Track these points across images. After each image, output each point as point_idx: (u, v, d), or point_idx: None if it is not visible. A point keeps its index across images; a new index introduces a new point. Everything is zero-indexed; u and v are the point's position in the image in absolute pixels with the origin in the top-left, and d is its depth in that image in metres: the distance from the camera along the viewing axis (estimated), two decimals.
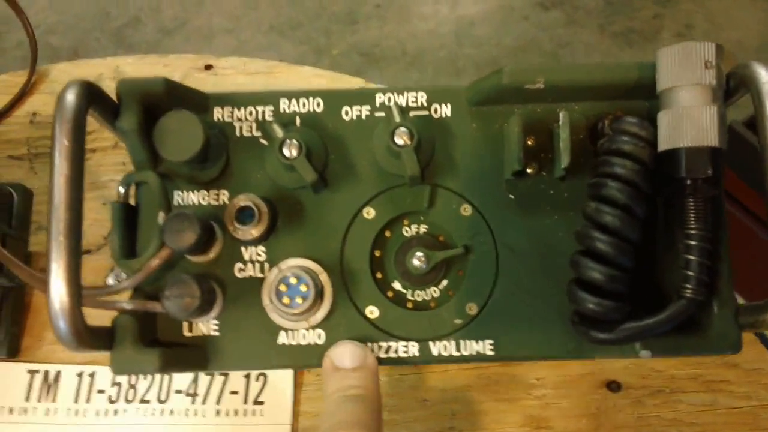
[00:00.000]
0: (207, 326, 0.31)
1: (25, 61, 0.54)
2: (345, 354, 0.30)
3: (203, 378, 0.46)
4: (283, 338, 0.31)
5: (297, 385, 0.45)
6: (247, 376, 0.46)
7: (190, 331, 0.31)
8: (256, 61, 0.56)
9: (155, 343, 0.31)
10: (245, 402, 0.45)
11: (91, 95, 0.28)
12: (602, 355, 0.31)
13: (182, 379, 0.46)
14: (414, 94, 0.32)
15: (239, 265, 0.31)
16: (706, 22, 1.19)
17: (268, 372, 0.46)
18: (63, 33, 1.30)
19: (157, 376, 0.46)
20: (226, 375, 0.46)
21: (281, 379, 0.45)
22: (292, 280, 0.30)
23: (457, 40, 1.24)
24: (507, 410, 0.45)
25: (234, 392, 0.45)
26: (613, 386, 0.45)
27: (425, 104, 0.32)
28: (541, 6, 1.25)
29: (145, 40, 1.29)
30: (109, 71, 0.55)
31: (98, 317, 0.29)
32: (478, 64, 1.22)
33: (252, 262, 0.31)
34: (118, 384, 0.46)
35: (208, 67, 0.56)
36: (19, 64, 0.55)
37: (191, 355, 0.30)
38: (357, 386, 0.29)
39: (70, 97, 0.27)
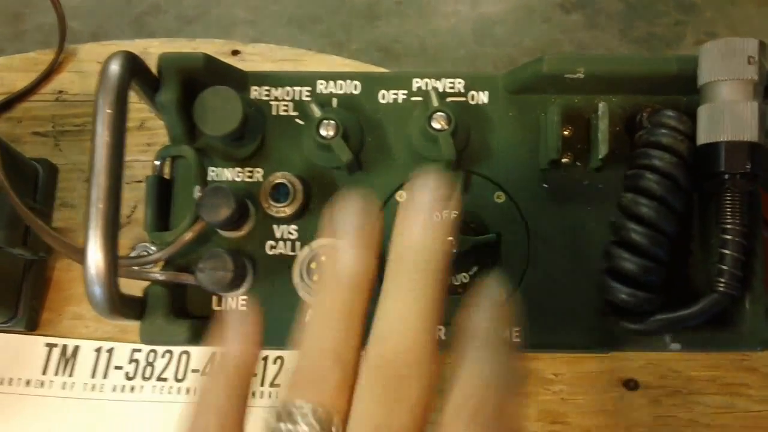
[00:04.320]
0: (236, 301, 0.31)
1: (45, 45, 0.55)
2: (426, 189, 0.26)
3: None
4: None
5: None
6: (265, 359, 0.46)
7: (219, 305, 0.31)
8: (283, 49, 0.57)
9: (185, 315, 0.31)
10: (261, 384, 0.45)
11: (134, 67, 0.29)
12: (631, 348, 0.30)
13: (200, 359, 0.46)
14: (451, 80, 0.32)
15: (271, 242, 0.31)
16: (728, 31, 1.19)
17: (286, 355, 0.46)
18: (83, 17, 1.31)
19: (175, 355, 0.46)
20: None
21: None
22: (324, 259, 0.30)
23: (477, 39, 1.24)
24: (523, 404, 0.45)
25: None
26: (631, 384, 0.45)
27: (462, 90, 0.32)
28: (562, 8, 1.25)
29: (165, 28, 1.30)
30: (136, 52, 0.56)
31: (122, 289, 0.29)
32: (496, 63, 1.22)
33: (283, 240, 0.31)
34: (136, 361, 0.46)
35: (235, 53, 0.56)
36: (39, 47, 0.55)
37: None
38: (432, 249, 0.25)
39: (114, 67, 0.28)
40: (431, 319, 0.22)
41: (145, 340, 0.29)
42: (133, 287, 0.30)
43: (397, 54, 1.24)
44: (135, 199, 0.50)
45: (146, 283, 0.31)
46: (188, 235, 0.30)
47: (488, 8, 1.26)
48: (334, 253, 0.23)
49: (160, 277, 0.29)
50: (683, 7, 1.24)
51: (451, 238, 0.23)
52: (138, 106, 0.52)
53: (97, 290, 0.26)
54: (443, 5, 1.27)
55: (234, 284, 0.29)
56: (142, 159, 0.51)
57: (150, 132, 0.52)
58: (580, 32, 1.23)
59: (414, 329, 0.21)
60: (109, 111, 0.27)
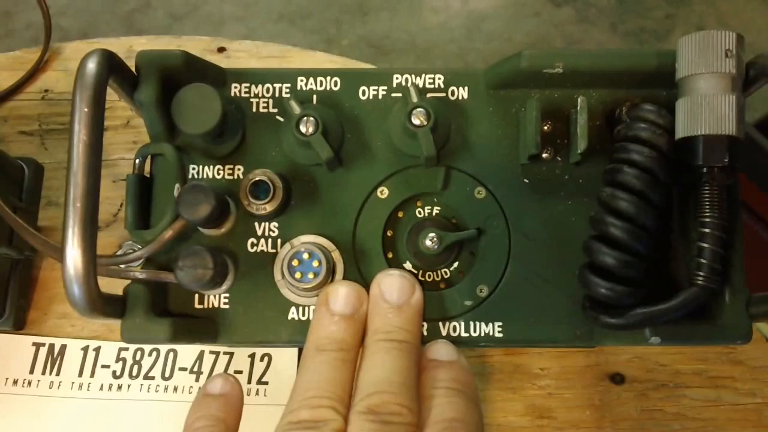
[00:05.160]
0: (218, 299, 0.31)
1: (34, 43, 0.55)
2: (393, 288, 0.30)
3: (208, 356, 0.46)
4: (293, 314, 0.31)
5: None
6: (252, 356, 0.46)
7: (201, 303, 0.31)
8: (269, 45, 0.56)
9: (166, 313, 0.31)
10: (249, 381, 0.45)
11: (112, 65, 0.28)
12: (611, 342, 0.31)
13: (187, 357, 0.46)
14: (431, 75, 0.32)
15: (252, 240, 0.31)
16: (718, 24, 1.19)
17: (273, 352, 0.46)
18: (73, 15, 1.30)
19: (162, 353, 0.46)
20: (230, 354, 0.46)
21: (285, 360, 0.46)
22: (305, 256, 0.30)
23: (468, 34, 1.24)
24: (510, 399, 0.45)
25: (238, 371, 0.46)
26: (617, 379, 0.45)
27: (442, 86, 0.32)
28: (552, 2, 1.25)
29: (155, 25, 1.29)
30: (122, 51, 0.55)
31: (107, 288, 0.29)
32: (487, 58, 1.22)
33: (265, 237, 0.31)
34: (123, 360, 0.46)
35: (221, 50, 0.56)
36: (28, 46, 0.55)
37: (201, 328, 0.31)
38: (401, 330, 0.29)
39: (91, 65, 0.28)
40: (407, 375, 0.27)
41: (126, 339, 0.29)
42: (117, 287, 0.30)
43: (388, 50, 1.24)
44: (121, 197, 0.50)
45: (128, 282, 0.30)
46: (168, 233, 0.30)
47: (478, 3, 1.26)
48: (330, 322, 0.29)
49: (140, 275, 0.29)
50: (673, 0, 1.24)
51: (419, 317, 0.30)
52: (124, 105, 0.52)
53: (76, 289, 0.26)
54: (433, 0, 1.27)
55: (215, 282, 0.29)
56: (128, 157, 0.51)
57: (135, 130, 0.52)
58: (570, 26, 1.23)
59: (395, 384, 0.27)
60: (86, 109, 0.27)
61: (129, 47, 0.55)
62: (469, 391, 0.28)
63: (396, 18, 1.26)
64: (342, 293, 0.29)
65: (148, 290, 0.30)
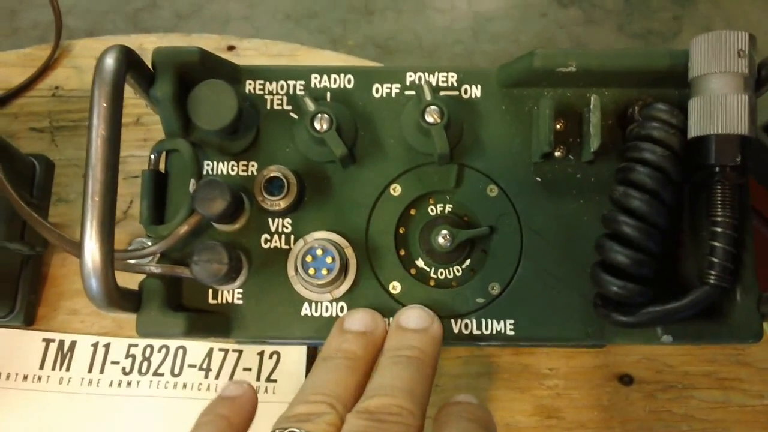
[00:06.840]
0: (231, 294, 0.31)
1: (41, 42, 0.55)
2: (411, 317, 0.30)
3: (217, 353, 0.46)
4: (306, 309, 0.31)
5: (310, 365, 0.46)
6: (261, 354, 0.46)
7: (215, 298, 0.31)
8: (278, 44, 0.57)
9: (180, 308, 0.31)
10: (258, 379, 0.45)
11: (130, 61, 0.29)
12: (623, 341, 0.31)
13: (196, 354, 0.46)
14: (444, 74, 0.32)
15: (266, 235, 0.32)
16: (725, 25, 1.20)
17: (282, 350, 0.46)
18: (79, 15, 1.31)
19: (172, 350, 0.46)
20: (239, 352, 0.46)
21: (294, 357, 0.46)
22: (318, 252, 0.30)
23: (474, 35, 1.24)
24: (518, 399, 0.45)
25: (247, 369, 0.46)
26: (626, 379, 0.45)
27: (455, 84, 0.32)
28: (559, 3, 1.25)
29: (161, 25, 1.30)
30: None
31: (121, 282, 0.29)
32: (493, 60, 1.22)
33: (278, 233, 0.32)
34: (132, 356, 0.46)
35: (230, 48, 0.56)
36: (36, 44, 0.55)
37: (215, 322, 0.31)
38: (413, 347, 0.29)
39: (110, 60, 0.28)
40: (412, 383, 0.27)
41: (142, 333, 0.29)
42: (130, 282, 0.30)
43: (393, 50, 1.24)
44: (131, 194, 0.50)
45: (143, 277, 0.31)
46: (183, 228, 0.30)
47: (485, 4, 1.26)
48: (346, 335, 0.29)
49: (155, 270, 0.30)
50: (680, 1, 1.24)
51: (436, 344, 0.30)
52: (134, 102, 0.52)
53: (94, 283, 0.26)
54: (439, 1, 1.27)
55: (229, 277, 0.30)
56: (138, 154, 0.51)
57: (146, 128, 0.52)
58: (577, 27, 1.23)
59: (397, 389, 0.26)
60: (104, 104, 0.27)
61: (139, 45, 0.55)
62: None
63: (402, 18, 1.26)
64: (357, 315, 0.30)
65: (163, 285, 0.30)
